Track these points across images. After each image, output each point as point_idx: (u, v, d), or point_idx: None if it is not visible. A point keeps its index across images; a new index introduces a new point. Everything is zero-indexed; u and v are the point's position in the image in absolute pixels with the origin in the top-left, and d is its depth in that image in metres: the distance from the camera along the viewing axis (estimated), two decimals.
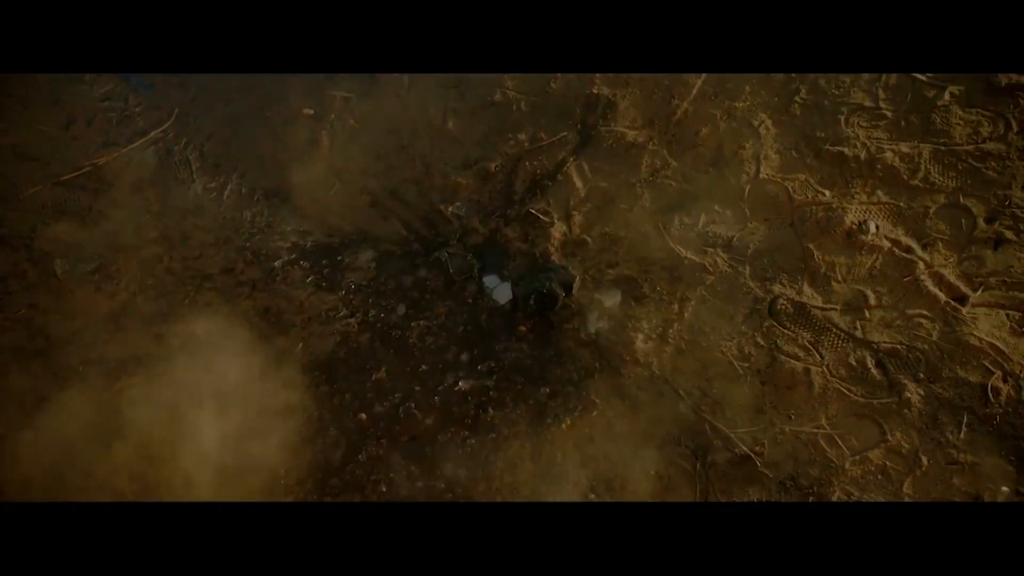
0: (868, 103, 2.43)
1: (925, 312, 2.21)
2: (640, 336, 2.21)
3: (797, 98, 2.47)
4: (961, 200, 2.30)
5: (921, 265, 2.25)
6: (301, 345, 2.26)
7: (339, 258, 2.36)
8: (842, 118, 2.43)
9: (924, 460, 2.07)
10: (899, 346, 2.18)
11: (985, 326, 2.18)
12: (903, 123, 2.40)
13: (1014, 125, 2.33)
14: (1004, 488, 2.02)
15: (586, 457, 2.12)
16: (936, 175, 2.34)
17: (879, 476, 2.08)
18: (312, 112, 2.52)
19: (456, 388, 2.19)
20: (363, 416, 2.20)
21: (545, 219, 2.33)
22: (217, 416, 2.18)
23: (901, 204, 2.33)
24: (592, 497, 2.08)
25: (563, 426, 2.16)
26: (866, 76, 2.45)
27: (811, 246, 2.31)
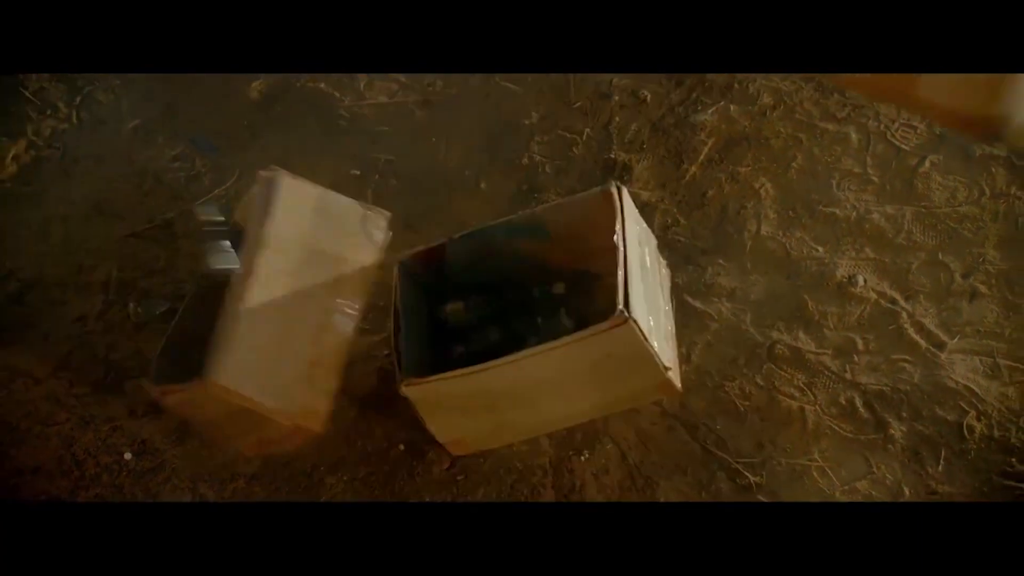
0: (857, 169, 2.69)
1: (908, 357, 2.41)
2: None
3: (794, 164, 2.73)
4: (940, 257, 2.53)
5: (904, 315, 2.46)
6: (345, 382, 2.49)
7: (382, 303, 2.60)
8: (834, 183, 2.69)
9: (906, 490, 2.25)
10: (884, 387, 2.37)
11: (961, 370, 2.37)
12: (888, 187, 2.65)
13: (987, 191, 2.57)
14: None
15: (602, 485, 2.32)
16: (918, 234, 2.58)
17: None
18: (358, 172, 2.80)
19: None
20: (401, 447, 2.43)
21: None
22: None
23: (886, 260, 2.55)
24: None
25: (582, 458, 2.38)
26: (855, 146, 2.72)
27: (806, 296, 2.52)
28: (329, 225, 2.33)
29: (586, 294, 2.48)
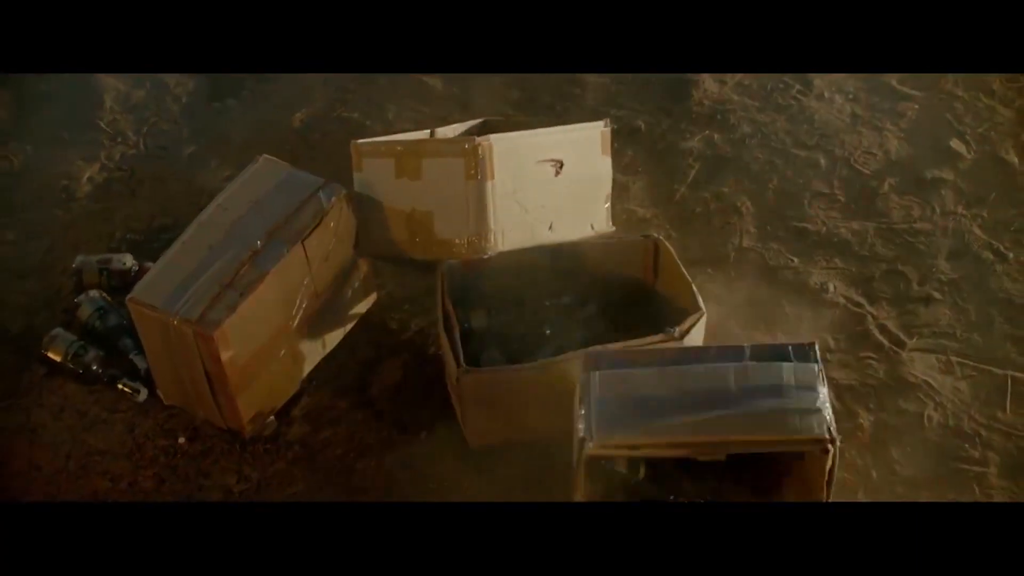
0: (825, 190, 3.04)
1: (873, 355, 2.70)
2: None
3: (771, 185, 3.07)
4: (899, 267, 2.86)
5: (869, 318, 2.77)
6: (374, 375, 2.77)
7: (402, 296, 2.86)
8: (806, 201, 3.03)
9: (873, 474, 2.49)
10: (853, 382, 2.65)
11: (920, 366, 2.66)
12: (853, 206, 3.00)
13: (938, 210, 2.92)
14: None
15: None
16: (879, 247, 2.91)
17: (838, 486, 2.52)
18: None
19: None
20: (423, 435, 2.68)
21: None
22: None
23: (853, 269, 2.88)
24: None
25: None
26: (824, 170, 3.06)
27: (783, 301, 2.82)
28: (281, 191, 2.57)
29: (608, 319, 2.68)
